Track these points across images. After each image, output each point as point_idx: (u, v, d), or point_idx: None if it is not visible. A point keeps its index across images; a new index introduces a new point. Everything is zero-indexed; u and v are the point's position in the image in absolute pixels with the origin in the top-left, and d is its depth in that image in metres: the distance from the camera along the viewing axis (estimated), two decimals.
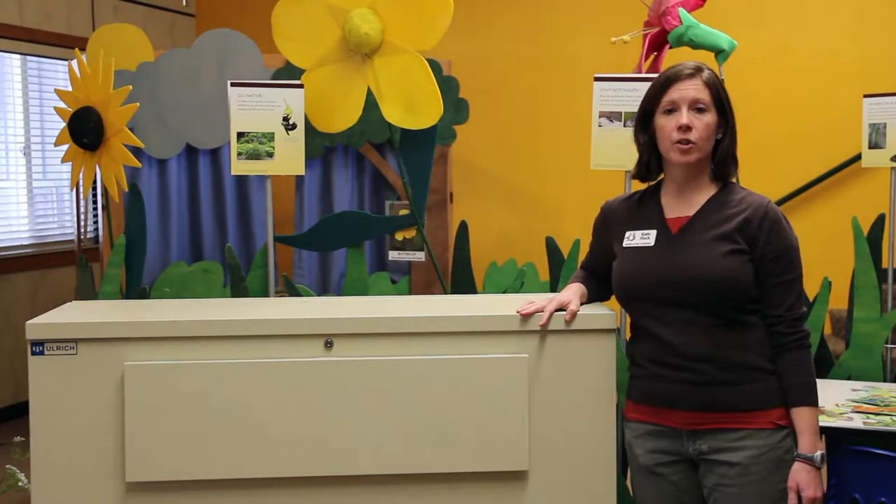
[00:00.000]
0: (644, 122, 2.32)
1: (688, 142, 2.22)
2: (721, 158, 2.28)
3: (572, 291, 2.46)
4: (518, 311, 2.40)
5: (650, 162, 2.33)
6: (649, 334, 2.27)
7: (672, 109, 2.24)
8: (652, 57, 3.77)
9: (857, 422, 2.69)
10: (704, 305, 2.21)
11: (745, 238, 2.22)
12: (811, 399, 2.22)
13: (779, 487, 2.22)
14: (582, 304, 2.45)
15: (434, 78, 3.44)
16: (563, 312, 2.40)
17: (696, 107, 2.23)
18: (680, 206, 2.31)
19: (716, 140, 2.27)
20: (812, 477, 2.19)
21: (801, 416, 2.21)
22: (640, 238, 2.31)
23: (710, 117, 2.24)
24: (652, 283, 2.25)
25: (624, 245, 2.33)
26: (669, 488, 2.30)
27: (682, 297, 2.22)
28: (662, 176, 2.37)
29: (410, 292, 3.90)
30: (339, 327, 2.36)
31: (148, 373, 2.31)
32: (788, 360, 2.22)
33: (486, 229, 5.45)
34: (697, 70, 2.26)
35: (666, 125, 2.25)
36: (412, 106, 3.49)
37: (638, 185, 2.46)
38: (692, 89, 2.23)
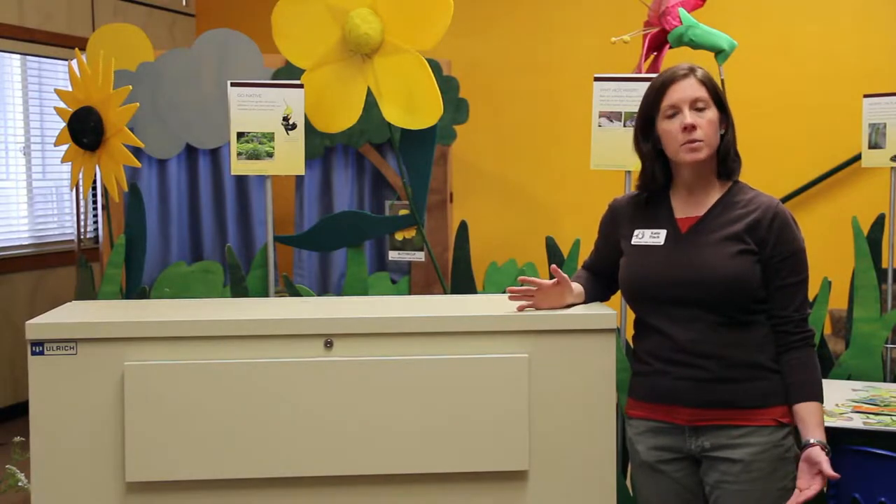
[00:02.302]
0: (645, 130, 2.32)
1: (695, 140, 2.22)
2: (724, 154, 2.28)
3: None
4: (518, 306, 2.40)
5: (654, 170, 2.33)
6: (655, 331, 2.28)
7: (674, 113, 2.25)
8: (652, 57, 3.77)
9: (857, 422, 2.69)
10: (711, 304, 2.21)
11: (755, 239, 2.23)
12: (817, 395, 2.24)
13: (780, 485, 2.22)
14: (579, 303, 2.46)
15: (434, 78, 3.44)
16: (565, 312, 2.40)
17: (697, 106, 2.24)
18: (689, 205, 2.31)
19: (721, 136, 2.28)
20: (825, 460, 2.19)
21: (807, 409, 2.22)
22: (650, 237, 2.31)
23: (711, 113, 2.25)
24: (660, 282, 2.26)
25: (633, 243, 2.34)
26: (671, 485, 2.30)
27: (690, 296, 2.22)
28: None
29: (410, 292, 3.90)
30: (339, 327, 2.36)
31: (148, 373, 2.31)
32: (796, 357, 2.23)
33: (486, 229, 5.44)
34: (691, 70, 2.27)
35: (671, 129, 2.25)
36: (412, 106, 3.49)
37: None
38: (690, 89, 2.24)
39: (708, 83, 2.26)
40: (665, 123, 2.27)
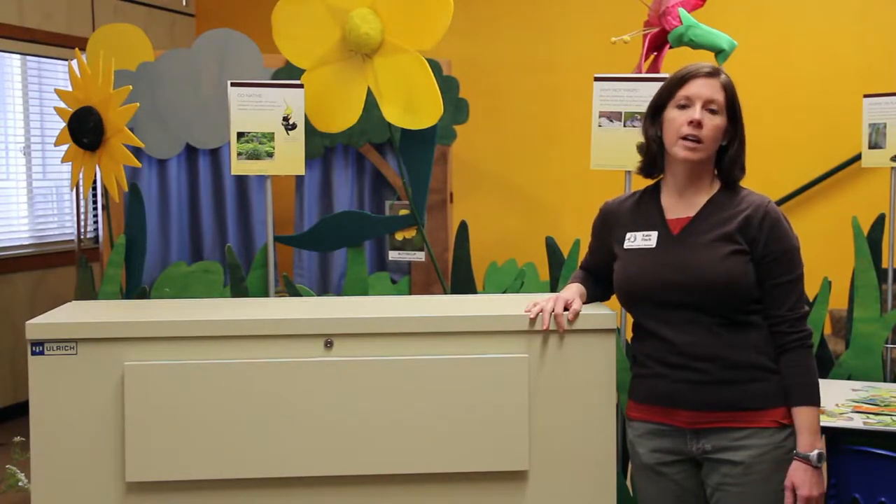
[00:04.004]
0: (655, 115, 2.32)
1: (696, 139, 2.22)
2: (727, 165, 2.28)
3: (573, 291, 2.46)
4: (526, 311, 2.40)
5: (656, 157, 2.33)
6: (652, 334, 2.28)
7: (686, 105, 2.24)
8: (652, 57, 3.77)
9: (857, 422, 2.69)
10: (707, 306, 2.21)
11: (746, 239, 2.22)
12: (811, 399, 2.22)
13: (781, 487, 2.22)
14: (582, 304, 2.45)
15: (434, 78, 3.44)
16: (565, 312, 2.40)
17: (710, 107, 2.23)
18: (680, 206, 2.31)
19: (721, 145, 2.27)
20: (808, 476, 2.19)
21: (800, 415, 2.21)
22: (642, 240, 2.31)
23: (720, 120, 2.24)
24: (654, 285, 2.25)
25: (625, 247, 2.34)
26: (672, 487, 2.30)
27: (685, 299, 2.22)
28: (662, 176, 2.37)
29: (410, 292, 3.90)
30: (339, 327, 2.36)
31: (148, 373, 2.31)
32: (790, 359, 2.23)
33: (486, 229, 5.44)
34: (716, 72, 2.26)
35: (677, 118, 2.24)
36: (412, 106, 3.49)
37: (637, 185, 2.46)
38: (709, 88, 2.23)
39: (728, 90, 2.25)
40: (673, 112, 2.26)
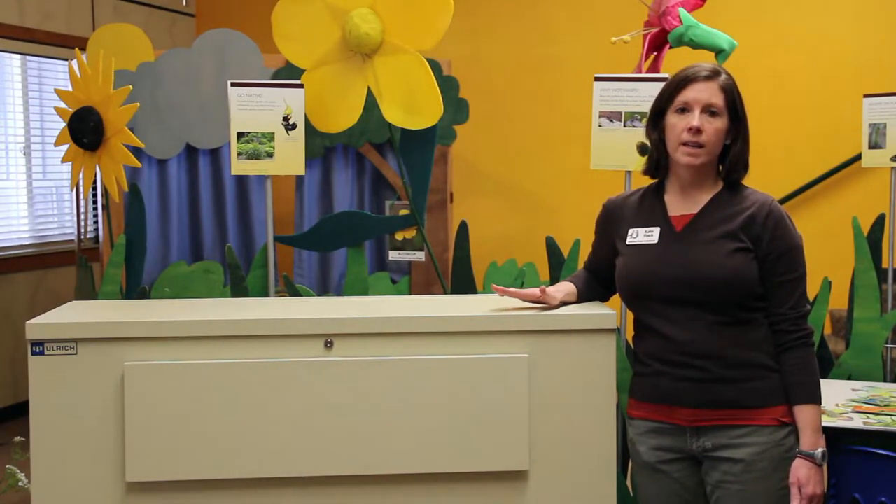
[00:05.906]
0: (656, 119, 2.32)
1: (697, 144, 2.22)
2: (732, 164, 2.28)
3: (558, 286, 2.48)
4: (497, 290, 2.44)
5: (660, 159, 2.34)
6: (654, 332, 2.28)
7: (684, 109, 2.24)
8: (652, 57, 3.77)
9: (857, 422, 2.69)
10: (709, 303, 2.21)
11: (750, 236, 2.23)
12: (814, 397, 2.23)
13: (781, 485, 2.23)
14: (571, 302, 2.46)
15: (434, 78, 3.44)
16: (565, 312, 2.40)
17: (709, 110, 2.23)
18: (683, 203, 2.31)
19: (724, 145, 2.27)
20: (812, 474, 2.20)
21: (803, 413, 2.22)
22: (644, 236, 2.31)
23: (721, 122, 2.24)
24: (656, 282, 2.25)
25: (627, 243, 2.34)
26: (672, 485, 2.31)
27: (687, 296, 2.22)
28: None
29: (410, 292, 3.90)
30: (339, 327, 2.36)
31: (148, 373, 2.31)
32: (792, 358, 2.23)
33: (486, 229, 5.44)
34: (714, 73, 2.26)
35: (677, 124, 2.25)
36: (412, 106, 3.49)
37: (638, 184, 2.46)
38: (707, 92, 2.23)
39: (728, 91, 2.25)
40: (673, 117, 2.26)
